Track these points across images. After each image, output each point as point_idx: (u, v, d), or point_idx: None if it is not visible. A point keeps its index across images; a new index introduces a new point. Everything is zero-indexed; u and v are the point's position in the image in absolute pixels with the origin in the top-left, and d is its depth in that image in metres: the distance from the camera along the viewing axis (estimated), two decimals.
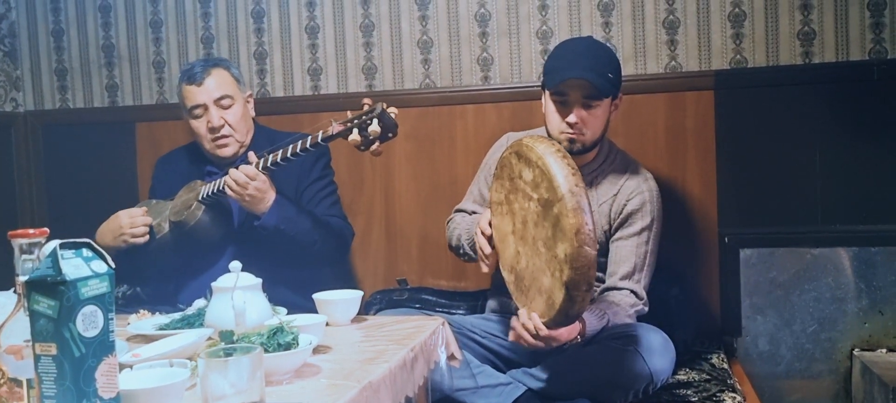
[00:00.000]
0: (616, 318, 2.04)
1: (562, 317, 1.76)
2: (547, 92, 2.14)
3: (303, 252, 2.25)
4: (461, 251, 2.26)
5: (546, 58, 2.23)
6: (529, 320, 1.84)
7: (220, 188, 2.20)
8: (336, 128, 2.03)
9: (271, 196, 2.18)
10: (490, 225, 1.99)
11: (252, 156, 2.17)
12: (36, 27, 3.26)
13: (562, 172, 1.68)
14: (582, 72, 2.05)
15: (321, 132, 2.06)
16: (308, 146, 2.07)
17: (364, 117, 1.98)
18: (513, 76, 2.82)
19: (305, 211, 2.30)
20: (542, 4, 2.78)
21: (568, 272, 1.66)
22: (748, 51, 2.65)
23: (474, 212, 2.34)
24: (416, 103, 2.85)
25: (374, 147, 1.98)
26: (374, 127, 1.94)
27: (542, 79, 2.21)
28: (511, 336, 1.93)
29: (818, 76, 2.60)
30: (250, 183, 2.13)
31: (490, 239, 1.99)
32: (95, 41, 3.20)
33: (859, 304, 2.57)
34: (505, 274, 1.96)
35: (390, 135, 1.98)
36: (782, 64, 2.63)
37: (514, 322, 1.91)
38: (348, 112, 2.04)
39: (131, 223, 2.29)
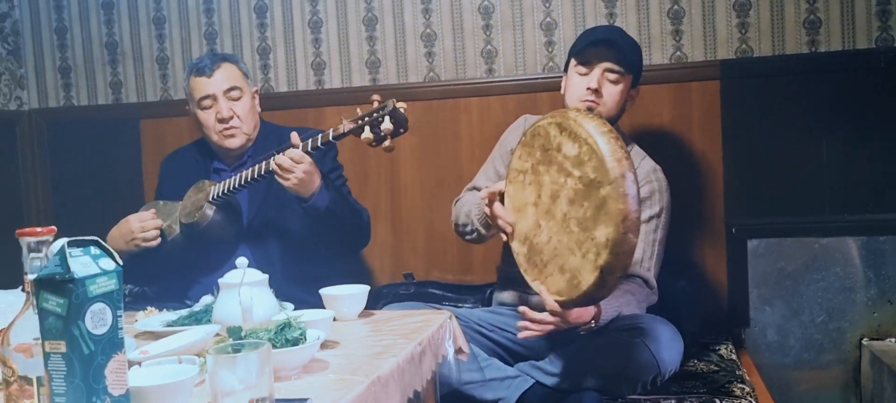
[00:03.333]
0: (628, 308, 2.03)
1: (585, 299, 1.72)
2: (570, 65, 2.22)
3: (341, 235, 2.26)
4: (469, 227, 2.21)
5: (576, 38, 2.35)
6: (535, 311, 1.84)
7: (242, 183, 2.19)
8: (347, 125, 2.01)
9: (318, 178, 2.17)
10: (501, 194, 1.93)
11: (296, 138, 2.15)
12: (39, 25, 3.26)
13: (614, 155, 1.62)
14: (610, 34, 2.20)
15: (332, 130, 2.05)
16: (320, 144, 2.07)
17: (375, 115, 1.97)
18: (517, 68, 2.81)
19: (343, 194, 2.32)
20: None
21: (607, 257, 1.62)
22: (754, 40, 2.64)
23: None
24: (421, 97, 2.85)
25: (386, 143, 1.97)
26: (387, 124, 1.93)
27: (566, 59, 2.29)
28: (521, 335, 1.92)
29: (824, 65, 2.59)
30: (297, 166, 2.12)
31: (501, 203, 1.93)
32: (99, 38, 3.20)
33: (868, 294, 2.57)
34: (516, 244, 1.89)
35: (402, 130, 1.97)
36: (788, 53, 2.62)
37: (520, 322, 1.90)
38: (358, 108, 2.03)
39: (142, 227, 2.29)
